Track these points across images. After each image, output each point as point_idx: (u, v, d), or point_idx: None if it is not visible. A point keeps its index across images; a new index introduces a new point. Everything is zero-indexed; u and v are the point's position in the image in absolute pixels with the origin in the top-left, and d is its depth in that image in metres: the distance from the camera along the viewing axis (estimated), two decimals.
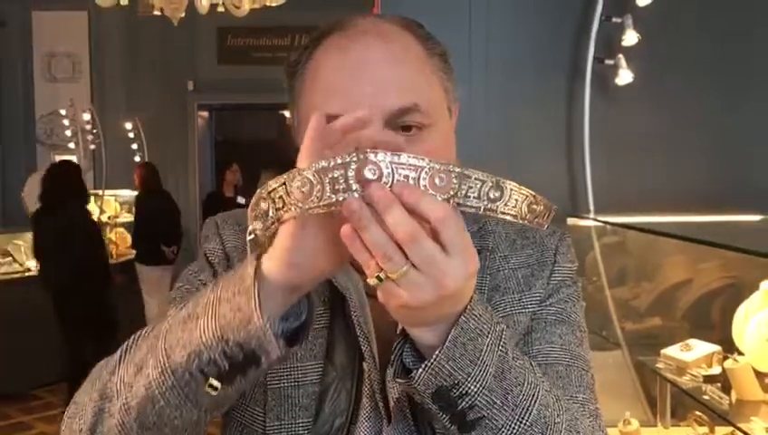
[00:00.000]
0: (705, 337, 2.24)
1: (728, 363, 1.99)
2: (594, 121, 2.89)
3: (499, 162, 2.84)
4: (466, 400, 0.66)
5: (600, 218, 2.80)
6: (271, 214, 0.65)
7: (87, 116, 7.61)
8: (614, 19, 2.83)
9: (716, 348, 2.15)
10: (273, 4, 5.01)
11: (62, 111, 7.74)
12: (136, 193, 6.64)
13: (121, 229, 7.26)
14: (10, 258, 6.05)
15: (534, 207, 0.63)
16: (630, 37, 2.79)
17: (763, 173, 2.90)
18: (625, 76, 2.83)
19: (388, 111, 0.78)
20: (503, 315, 0.87)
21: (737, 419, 1.87)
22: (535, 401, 0.69)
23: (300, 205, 0.62)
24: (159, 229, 6.24)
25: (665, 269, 2.73)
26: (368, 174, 0.60)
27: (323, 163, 0.61)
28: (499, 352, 0.68)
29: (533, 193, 0.63)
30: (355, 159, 0.60)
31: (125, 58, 8.06)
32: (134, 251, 6.58)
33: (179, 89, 8.11)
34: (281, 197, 0.63)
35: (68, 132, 7.71)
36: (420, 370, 0.66)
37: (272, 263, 0.69)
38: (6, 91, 7.93)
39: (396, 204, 0.60)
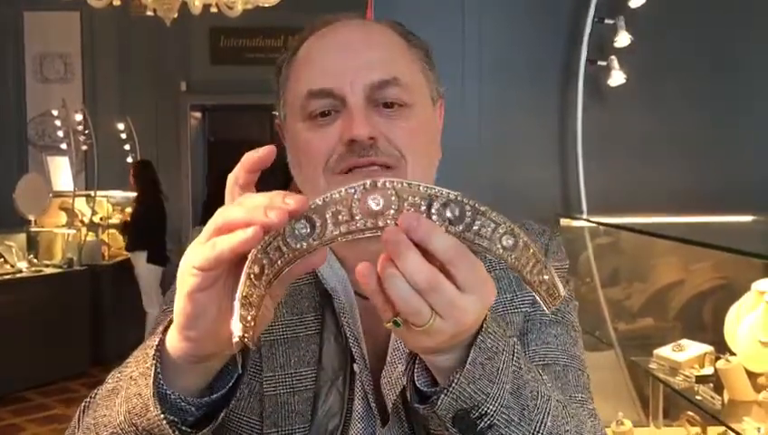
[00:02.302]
0: (698, 337, 2.25)
1: (720, 364, 1.99)
2: (587, 122, 2.90)
3: (492, 163, 2.84)
4: (485, 420, 0.65)
5: (592, 219, 2.80)
6: (266, 272, 0.57)
7: (79, 117, 7.56)
8: (607, 21, 2.84)
9: (709, 348, 2.15)
10: (266, 5, 5.00)
11: (54, 112, 7.69)
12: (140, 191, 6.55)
13: (113, 231, 7.22)
14: (1, 259, 6.00)
15: (544, 277, 0.58)
16: (623, 39, 2.80)
17: (754, 174, 2.91)
18: (617, 77, 2.84)
19: (369, 84, 0.81)
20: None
21: (729, 419, 1.87)
22: (548, 414, 0.69)
23: (299, 247, 0.56)
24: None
25: (657, 270, 2.74)
26: (372, 204, 0.55)
27: (323, 198, 0.56)
28: (514, 368, 0.67)
29: (543, 259, 0.58)
30: (361, 188, 0.55)
31: (117, 58, 8.02)
32: (126, 253, 6.56)
33: (172, 89, 8.08)
34: (277, 247, 0.56)
35: (60, 133, 7.65)
36: (442, 395, 0.64)
37: (170, 338, 0.67)
38: None
39: (411, 249, 0.56)
